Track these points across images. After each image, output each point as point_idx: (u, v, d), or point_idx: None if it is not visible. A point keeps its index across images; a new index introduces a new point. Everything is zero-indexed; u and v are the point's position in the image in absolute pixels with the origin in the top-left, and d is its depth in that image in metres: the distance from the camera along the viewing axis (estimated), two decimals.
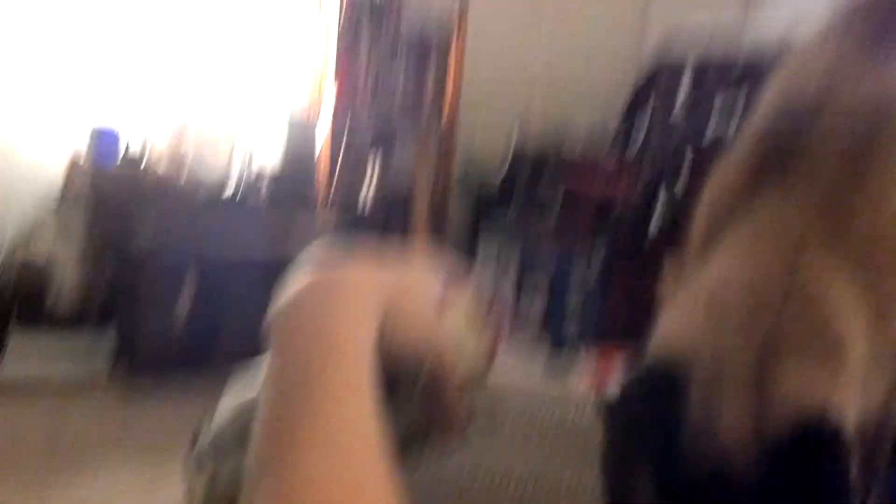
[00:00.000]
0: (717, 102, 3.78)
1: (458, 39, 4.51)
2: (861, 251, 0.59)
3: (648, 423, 0.54)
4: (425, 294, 0.64)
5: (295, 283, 0.58)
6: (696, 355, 0.55)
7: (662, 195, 3.49)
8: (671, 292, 0.72)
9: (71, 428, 2.76)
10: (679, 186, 3.42)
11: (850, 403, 0.55)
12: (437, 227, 4.60)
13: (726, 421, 0.52)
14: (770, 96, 0.71)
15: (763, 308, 0.56)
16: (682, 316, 0.61)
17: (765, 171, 0.64)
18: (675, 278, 0.74)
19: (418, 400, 0.64)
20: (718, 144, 3.63)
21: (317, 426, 0.48)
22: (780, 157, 0.64)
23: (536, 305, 3.84)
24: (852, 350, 0.56)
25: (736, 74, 3.69)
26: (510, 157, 4.35)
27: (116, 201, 3.47)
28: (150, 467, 2.48)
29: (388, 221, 4.66)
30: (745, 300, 0.57)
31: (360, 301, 0.56)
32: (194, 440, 0.71)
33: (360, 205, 4.48)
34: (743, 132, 0.71)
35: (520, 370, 2.21)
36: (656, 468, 0.53)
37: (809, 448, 0.51)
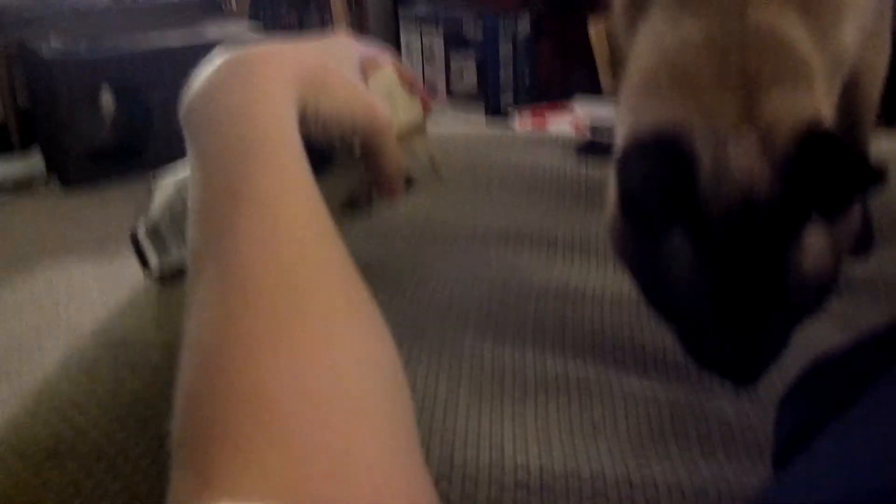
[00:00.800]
0: None
1: None
2: None
3: (665, 182, 0.56)
4: (346, 59, 0.63)
5: (201, 73, 0.56)
6: (688, 119, 0.57)
7: None
8: (601, 44, 0.71)
9: (14, 229, 2.77)
10: None
11: (828, 116, 0.60)
12: (356, 4, 4.46)
13: (738, 161, 0.55)
14: None
15: (728, 57, 0.58)
16: (652, 90, 0.62)
17: None
18: (606, 30, 0.73)
19: (359, 163, 0.64)
20: None
21: (249, 211, 0.46)
22: None
23: (467, 76, 3.82)
24: (816, 67, 0.60)
25: None
26: None
27: (22, 7, 3.31)
28: (99, 260, 2.52)
29: (304, 5, 4.50)
30: (708, 57, 0.59)
31: (275, 73, 0.54)
32: (137, 217, 0.73)
33: None
34: None
35: (459, 130, 2.23)
36: (685, 222, 0.56)
37: (818, 154, 0.55)
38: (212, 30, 3.55)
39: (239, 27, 3.67)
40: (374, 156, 0.62)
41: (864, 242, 0.89)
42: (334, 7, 3.85)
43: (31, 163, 3.29)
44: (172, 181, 0.73)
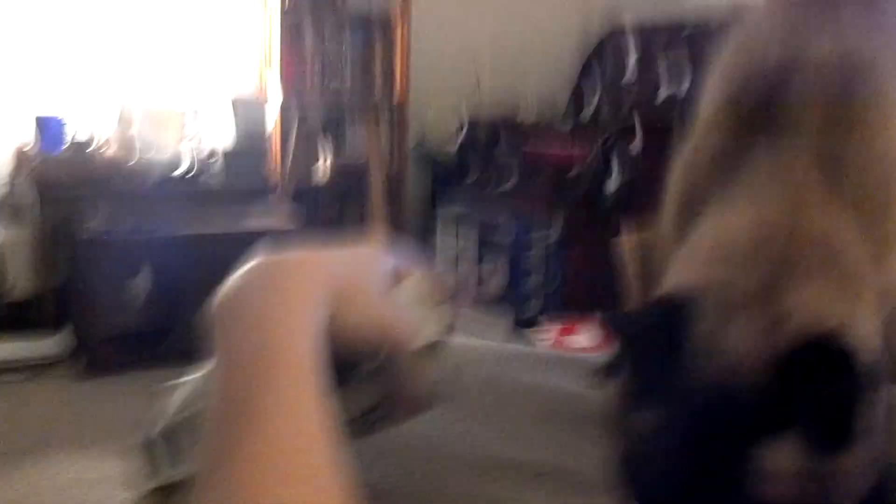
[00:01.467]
0: (666, 63, 3.81)
1: (403, 14, 4.48)
2: (856, 195, 0.60)
3: (657, 349, 0.53)
4: (373, 271, 0.63)
5: (237, 273, 0.57)
6: (704, 285, 0.55)
7: (617, 156, 3.52)
8: (632, 257, 0.72)
9: (31, 411, 2.73)
10: (634, 146, 3.45)
11: (872, 332, 0.54)
12: (395, 202, 4.60)
13: (735, 341, 0.51)
14: (732, 59, 0.72)
15: (769, 242, 0.56)
16: (685, 263, 0.61)
17: (746, 132, 0.65)
18: (638, 242, 0.73)
19: (379, 379, 0.63)
20: (670, 103, 3.66)
21: (261, 425, 0.47)
22: (761, 117, 0.64)
23: (497, 279, 3.86)
24: (866, 277, 0.56)
25: (683, 35, 3.72)
26: (464, 127, 4.35)
27: (65, 186, 3.43)
28: (109, 453, 2.46)
29: (344, 199, 4.65)
30: (750, 237, 0.57)
31: (304, 284, 0.55)
32: (149, 425, 0.70)
33: (315, 182, 4.46)
34: (707, 98, 0.71)
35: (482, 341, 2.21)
36: (664, 394, 0.52)
37: (822, 366, 0.49)
38: (253, 220, 3.65)
39: (280, 217, 3.77)
40: (395, 372, 0.62)
41: None
42: (373, 201, 3.96)
43: (57, 343, 3.30)
44: (185, 392, 0.71)
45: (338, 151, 4.54)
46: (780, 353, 0.50)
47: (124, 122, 3.74)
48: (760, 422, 0.49)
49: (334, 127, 4.58)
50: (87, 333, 3.16)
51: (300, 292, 0.55)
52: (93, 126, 3.72)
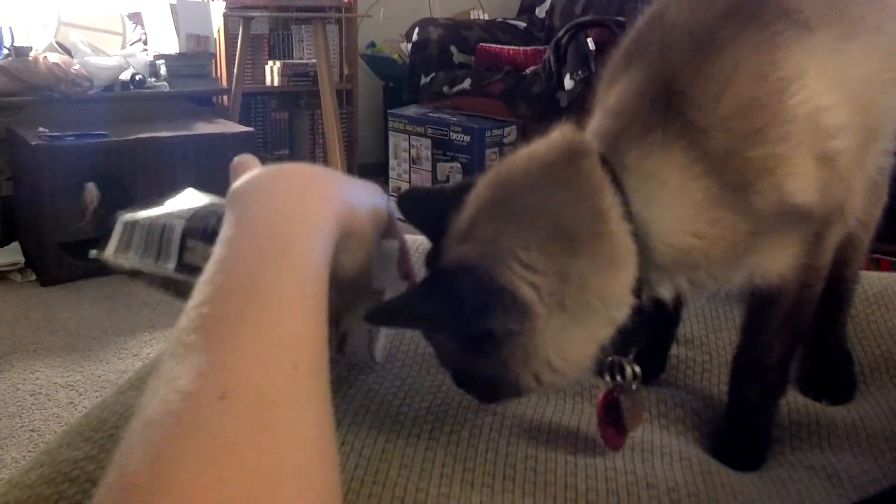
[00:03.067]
0: None
1: None
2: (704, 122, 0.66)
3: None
4: (379, 222, 0.67)
5: (257, 169, 0.59)
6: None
7: (573, 54, 3.48)
8: None
9: None
10: (589, 43, 3.41)
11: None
12: (347, 105, 4.53)
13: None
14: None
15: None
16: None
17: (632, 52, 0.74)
18: None
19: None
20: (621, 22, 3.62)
21: (256, 319, 0.47)
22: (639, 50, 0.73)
23: (453, 180, 3.84)
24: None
25: None
26: (416, 28, 4.26)
27: (7, 94, 3.32)
28: (69, 364, 2.47)
29: (295, 102, 4.57)
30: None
31: (326, 198, 0.57)
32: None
33: (264, 85, 4.37)
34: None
35: None
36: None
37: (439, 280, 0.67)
38: (201, 124, 3.58)
39: (228, 123, 3.70)
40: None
41: (846, 389, 0.88)
42: (324, 108, 3.90)
43: (8, 255, 3.25)
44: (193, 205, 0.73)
45: (286, 54, 4.45)
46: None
47: (64, 28, 3.61)
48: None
49: (282, 29, 4.47)
50: (39, 243, 3.10)
51: (322, 200, 0.56)
52: (31, 33, 3.59)
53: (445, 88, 4.07)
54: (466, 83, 3.99)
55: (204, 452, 0.40)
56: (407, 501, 0.64)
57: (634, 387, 0.75)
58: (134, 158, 3.15)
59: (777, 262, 0.72)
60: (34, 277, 3.14)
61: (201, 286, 0.49)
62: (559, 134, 0.70)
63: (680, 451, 0.75)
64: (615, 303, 0.67)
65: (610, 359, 0.75)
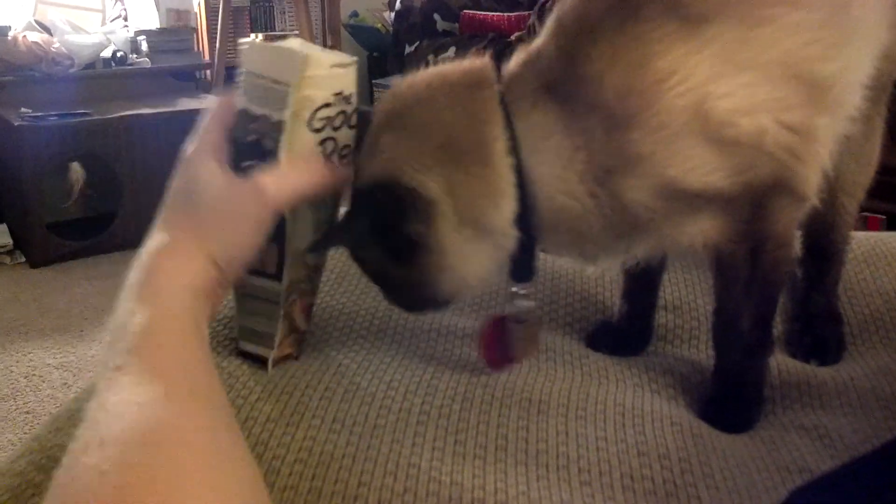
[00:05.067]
0: None
1: None
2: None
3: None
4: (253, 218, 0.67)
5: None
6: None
7: None
8: None
9: None
10: None
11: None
12: None
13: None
14: None
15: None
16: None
17: None
18: None
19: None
20: None
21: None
22: None
23: None
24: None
25: None
26: (399, 2, 4.22)
27: None
28: (61, 344, 2.47)
29: None
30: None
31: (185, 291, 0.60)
32: None
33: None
34: None
35: None
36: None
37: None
38: (184, 99, 3.55)
39: (213, 96, 3.67)
40: None
41: (835, 350, 0.88)
42: None
43: None
44: None
45: (268, 26, 4.40)
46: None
47: (42, 6, 3.57)
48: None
49: (263, 0, 4.42)
50: (26, 224, 3.08)
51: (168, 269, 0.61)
52: (9, 12, 3.54)
53: (430, 57, 4.03)
54: (451, 51, 3.95)
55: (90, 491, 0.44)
56: (399, 476, 0.64)
57: (530, 319, 0.83)
58: (118, 136, 3.12)
59: (690, 233, 0.74)
60: (23, 259, 3.13)
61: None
62: (474, 62, 0.75)
63: (671, 417, 0.75)
64: (500, 229, 0.72)
65: (512, 289, 0.81)
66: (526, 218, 0.72)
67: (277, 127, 0.70)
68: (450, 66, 0.76)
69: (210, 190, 0.66)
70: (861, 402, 0.79)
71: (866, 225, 2.48)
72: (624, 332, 0.90)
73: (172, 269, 0.60)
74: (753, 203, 0.73)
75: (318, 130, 0.71)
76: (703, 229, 0.74)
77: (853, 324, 0.92)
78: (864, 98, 0.77)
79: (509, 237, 0.73)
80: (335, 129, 0.73)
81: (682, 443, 0.71)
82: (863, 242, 1.04)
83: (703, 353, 0.88)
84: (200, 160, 0.68)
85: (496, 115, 0.71)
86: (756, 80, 0.69)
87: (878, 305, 0.94)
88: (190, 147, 0.69)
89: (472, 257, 0.73)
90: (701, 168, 0.70)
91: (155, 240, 0.62)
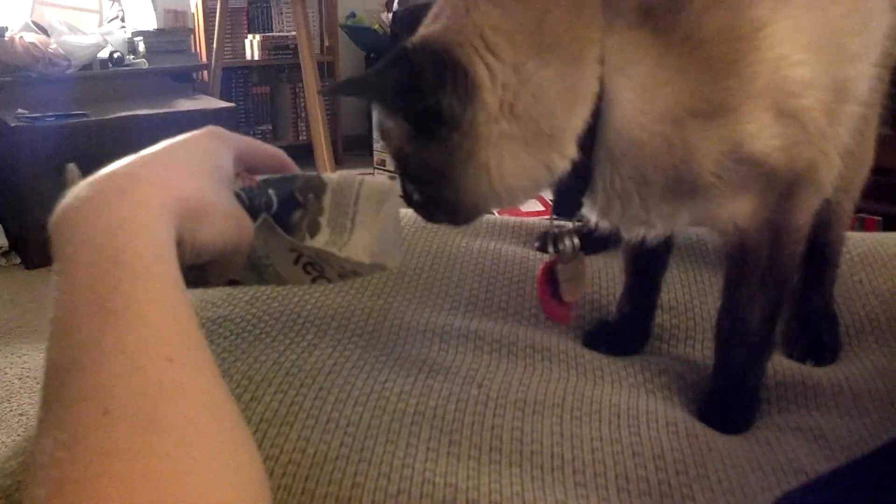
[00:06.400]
0: None
1: None
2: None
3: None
4: (220, 168, 0.60)
5: (77, 187, 0.53)
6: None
7: None
8: None
9: None
10: None
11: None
12: (328, 77, 4.50)
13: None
14: None
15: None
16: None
17: None
18: None
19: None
20: None
21: (117, 326, 0.45)
22: None
23: None
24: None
25: None
26: (396, 3, 4.22)
27: None
28: None
29: (277, 76, 4.53)
30: None
31: (154, 202, 0.52)
32: None
33: (245, 60, 4.33)
34: None
35: None
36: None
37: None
38: (182, 100, 3.55)
39: (209, 99, 3.67)
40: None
41: (831, 350, 0.88)
42: (306, 80, 3.86)
43: None
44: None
45: (266, 27, 4.40)
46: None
47: (39, 7, 3.56)
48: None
49: (260, 1, 4.42)
50: (22, 226, 3.08)
51: (148, 209, 0.51)
52: (6, 13, 3.54)
53: None
54: None
55: (103, 470, 0.40)
56: (393, 477, 0.63)
57: (573, 257, 0.78)
58: (114, 137, 3.12)
59: (730, 211, 0.72)
60: (19, 261, 3.12)
61: (51, 324, 0.47)
62: None
63: (666, 417, 0.75)
64: (559, 142, 0.67)
65: (552, 231, 0.78)
66: (590, 139, 0.68)
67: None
68: None
69: (219, 173, 0.59)
70: (857, 404, 0.79)
71: (864, 226, 2.48)
72: (622, 332, 0.89)
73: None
74: (784, 190, 0.72)
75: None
76: (743, 209, 0.72)
77: (849, 324, 0.92)
78: (871, 83, 0.76)
79: (565, 155, 0.68)
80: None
81: (677, 443, 0.71)
82: (859, 243, 1.04)
83: (699, 353, 0.88)
84: (225, 150, 0.61)
85: (597, 19, 0.66)
86: (813, 53, 0.67)
87: (874, 306, 0.94)
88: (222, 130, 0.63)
89: (510, 157, 0.68)
90: (767, 132, 0.67)
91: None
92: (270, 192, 0.64)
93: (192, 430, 0.43)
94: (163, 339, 0.46)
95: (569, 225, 0.77)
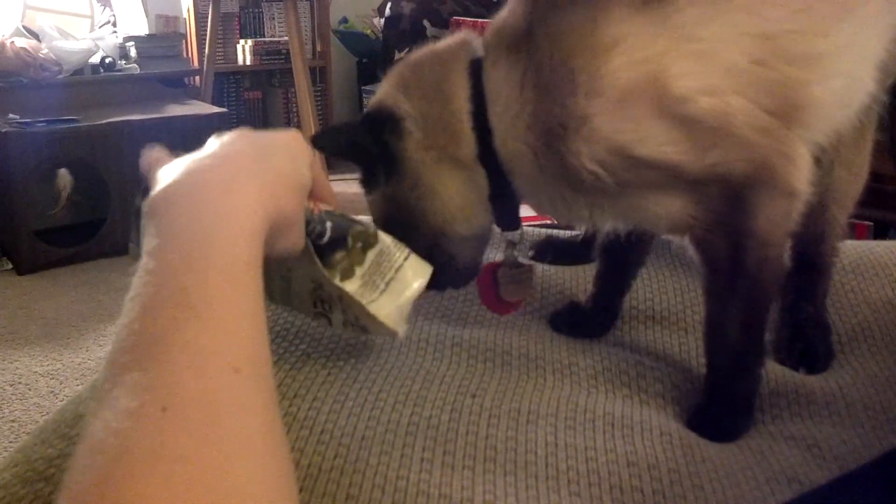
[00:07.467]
0: None
1: None
2: None
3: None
4: (303, 188, 0.63)
5: (177, 164, 0.55)
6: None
7: None
8: None
9: None
10: None
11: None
12: (320, 81, 4.49)
13: None
14: None
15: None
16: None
17: None
18: None
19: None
20: None
21: (191, 326, 0.45)
22: None
23: None
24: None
25: None
26: (389, 2, 4.22)
27: None
28: (47, 352, 2.45)
29: (269, 80, 4.52)
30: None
31: (252, 201, 0.54)
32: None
33: (236, 65, 4.32)
34: None
35: None
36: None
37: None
38: (174, 106, 3.54)
39: (201, 104, 3.66)
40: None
41: (823, 358, 0.88)
42: (298, 86, 3.86)
43: None
44: None
45: (258, 32, 4.40)
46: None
47: (30, 12, 3.55)
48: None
49: (252, 6, 4.42)
50: (13, 231, 3.06)
51: (245, 198, 0.53)
52: None
53: None
54: None
55: (150, 470, 0.39)
56: (387, 489, 0.63)
57: (517, 266, 0.91)
58: (106, 143, 3.11)
59: (667, 209, 0.76)
60: (10, 266, 3.10)
61: (129, 303, 0.47)
62: (462, 34, 0.85)
63: (661, 427, 0.75)
64: (465, 162, 0.80)
65: (512, 239, 0.88)
66: (487, 157, 0.79)
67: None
68: (448, 39, 0.86)
69: (305, 191, 0.64)
70: (849, 412, 0.79)
71: (854, 231, 2.49)
72: (587, 314, 0.93)
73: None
74: (729, 192, 0.73)
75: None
76: (670, 210, 0.75)
77: (841, 333, 0.92)
78: (878, 84, 0.76)
79: (477, 172, 0.80)
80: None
81: (671, 453, 0.71)
82: (850, 252, 1.04)
83: (692, 360, 0.88)
84: (307, 163, 0.64)
85: (462, 69, 0.80)
86: (723, 57, 0.70)
87: (866, 315, 0.94)
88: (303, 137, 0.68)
89: (448, 182, 0.81)
90: (655, 138, 0.72)
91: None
92: (328, 225, 0.69)
93: (244, 448, 0.43)
94: (233, 348, 0.46)
95: (551, 232, 0.89)
